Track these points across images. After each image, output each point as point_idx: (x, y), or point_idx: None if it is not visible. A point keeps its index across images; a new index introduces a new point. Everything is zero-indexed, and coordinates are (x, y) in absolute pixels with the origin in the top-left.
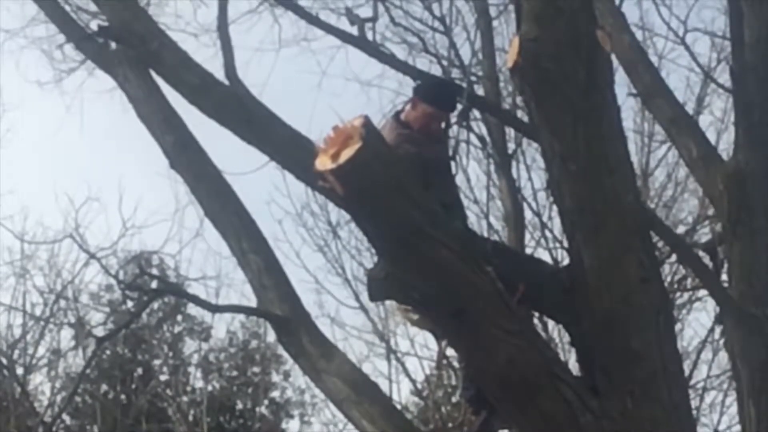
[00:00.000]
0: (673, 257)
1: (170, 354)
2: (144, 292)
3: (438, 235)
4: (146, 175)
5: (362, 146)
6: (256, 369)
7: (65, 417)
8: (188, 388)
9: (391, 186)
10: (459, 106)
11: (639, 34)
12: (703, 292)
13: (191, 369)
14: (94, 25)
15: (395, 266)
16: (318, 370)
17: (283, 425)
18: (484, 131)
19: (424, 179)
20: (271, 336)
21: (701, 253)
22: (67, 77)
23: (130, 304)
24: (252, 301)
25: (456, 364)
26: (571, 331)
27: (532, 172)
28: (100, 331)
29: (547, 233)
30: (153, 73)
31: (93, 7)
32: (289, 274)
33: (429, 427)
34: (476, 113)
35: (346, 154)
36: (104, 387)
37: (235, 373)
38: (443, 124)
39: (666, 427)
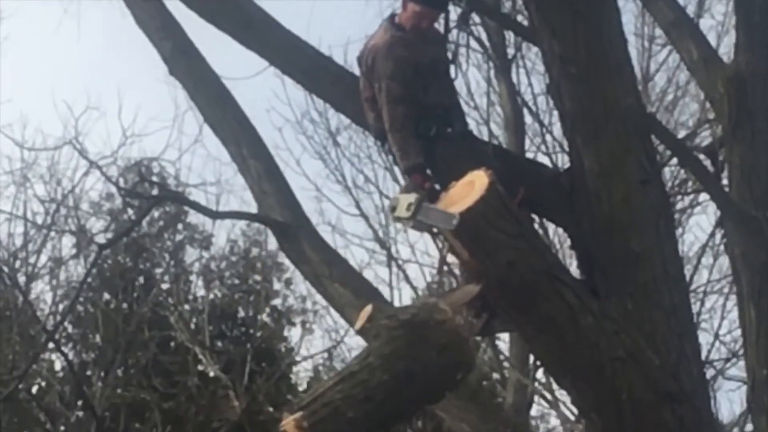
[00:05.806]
0: (674, 161)
1: (171, 262)
2: (145, 198)
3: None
4: (145, 82)
5: None
6: (257, 277)
7: (67, 325)
8: (190, 297)
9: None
10: (449, 4)
11: None
12: (703, 196)
13: (192, 277)
14: None
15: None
16: (319, 276)
17: (285, 333)
18: (483, 36)
19: (419, 83)
20: (272, 244)
21: (702, 157)
22: None
23: (130, 212)
24: (252, 207)
25: (457, 270)
26: (571, 234)
27: (532, 76)
28: (101, 240)
29: (548, 137)
30: None
31: None
32: (289, 182)
33: None
34: (476, 17)
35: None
36: (106, 296)
37: (236, 281)
38: (441, 25)
39: (666, 328)
